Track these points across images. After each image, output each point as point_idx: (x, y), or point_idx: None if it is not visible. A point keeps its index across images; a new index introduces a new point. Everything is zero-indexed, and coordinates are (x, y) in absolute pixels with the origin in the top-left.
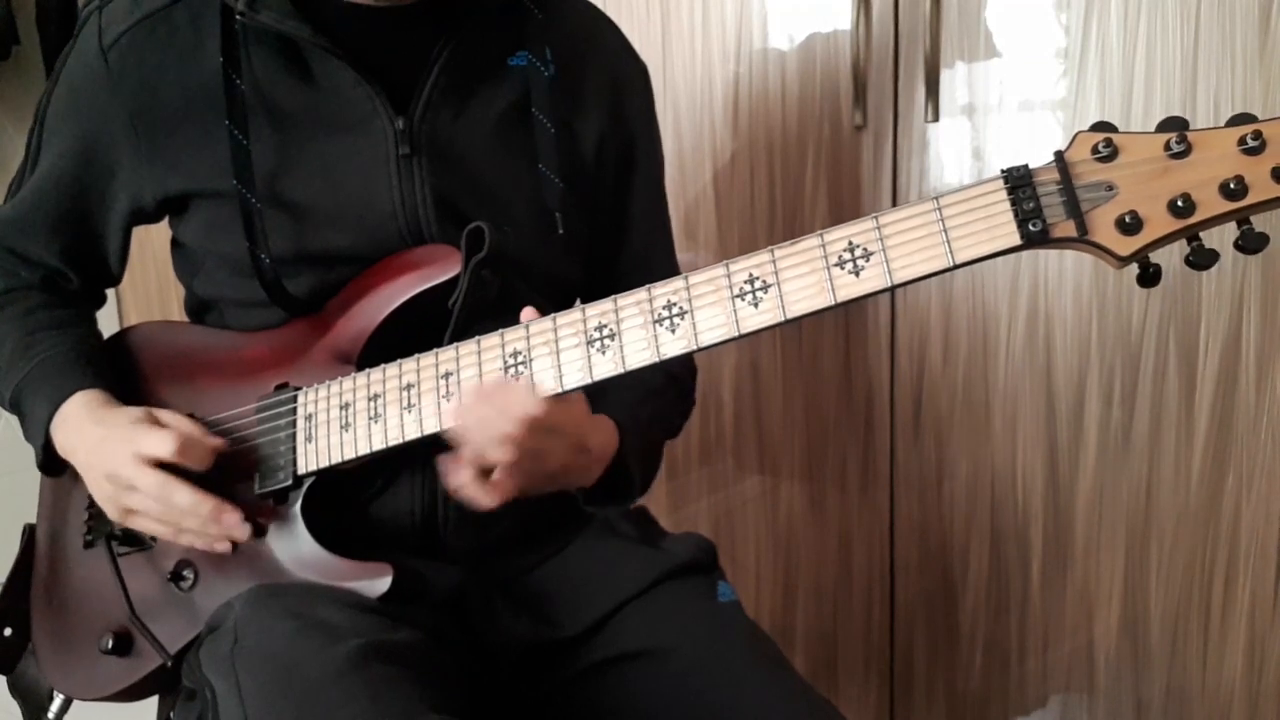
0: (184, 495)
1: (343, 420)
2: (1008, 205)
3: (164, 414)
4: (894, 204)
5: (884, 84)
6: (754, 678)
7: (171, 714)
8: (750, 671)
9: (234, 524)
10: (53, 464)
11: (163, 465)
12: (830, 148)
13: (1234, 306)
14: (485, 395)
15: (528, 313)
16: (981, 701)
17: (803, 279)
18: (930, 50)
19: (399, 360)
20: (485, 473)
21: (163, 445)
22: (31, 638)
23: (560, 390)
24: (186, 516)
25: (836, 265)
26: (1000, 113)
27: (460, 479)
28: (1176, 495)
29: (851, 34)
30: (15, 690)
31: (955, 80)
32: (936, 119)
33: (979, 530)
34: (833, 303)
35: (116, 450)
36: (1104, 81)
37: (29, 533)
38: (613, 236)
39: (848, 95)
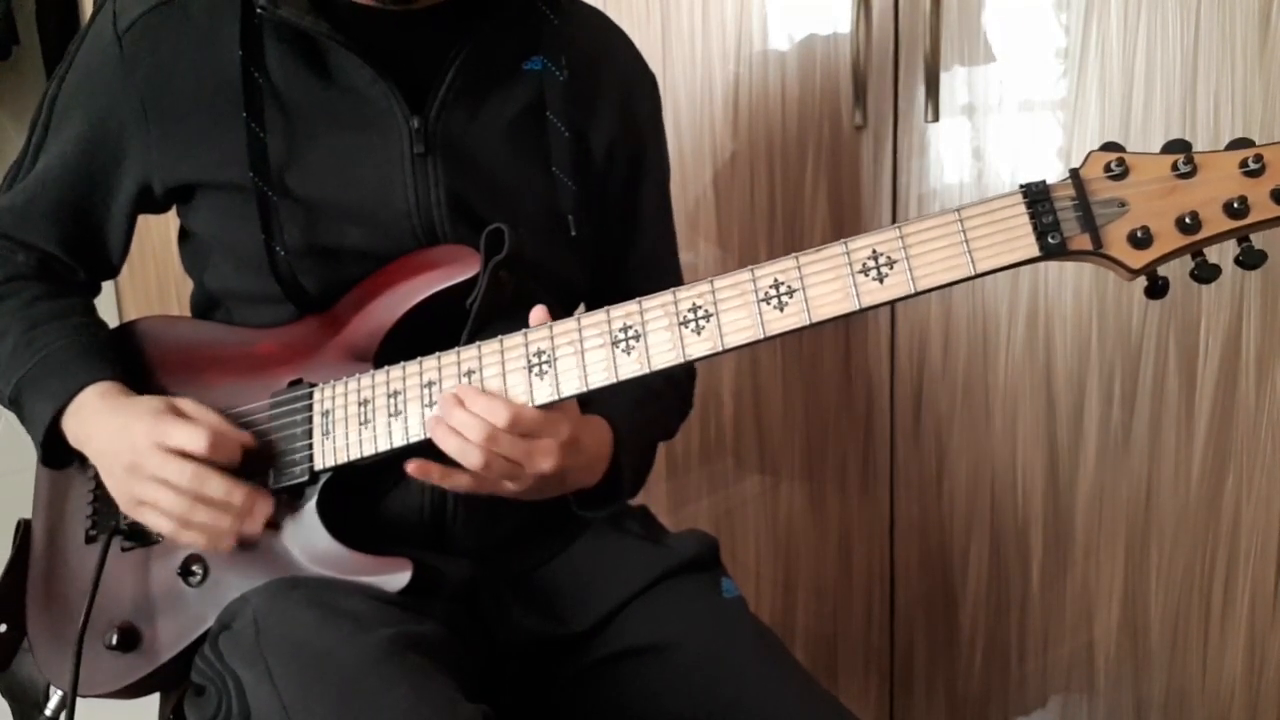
0: (217, 485)
1: (362, 417)
2: (1027, 218)
3: (186, 404)
4: (894, 204)
5: (884, 84)
6: (758, 672)
7: (173, 712)
8: (755, 666)
9: (265, 514)
10: (54, 457)
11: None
12: (830, 148)
13: (1234, 307)
14: (461, 401)
15: (537, 314)
16: (981, 701)
17: (827, 284)
18: (930, 50)
19: (419, 358)
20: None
21: (193, 440)
22: (28, 634)
23: (585, 389)
24: (202, 509)
25: (860, 272)
26: (1000, 113)
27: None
28: (1176, 495)
29: (851, 34)
30: (7, 690)
31: (955, 80)
32: (936, 119)
33: (979, 530)
34: (857, 308)
35: (139, 441)
36: (1104, 81)
37: (24, 527)
38: (620, 240)
39: (848, 95)
